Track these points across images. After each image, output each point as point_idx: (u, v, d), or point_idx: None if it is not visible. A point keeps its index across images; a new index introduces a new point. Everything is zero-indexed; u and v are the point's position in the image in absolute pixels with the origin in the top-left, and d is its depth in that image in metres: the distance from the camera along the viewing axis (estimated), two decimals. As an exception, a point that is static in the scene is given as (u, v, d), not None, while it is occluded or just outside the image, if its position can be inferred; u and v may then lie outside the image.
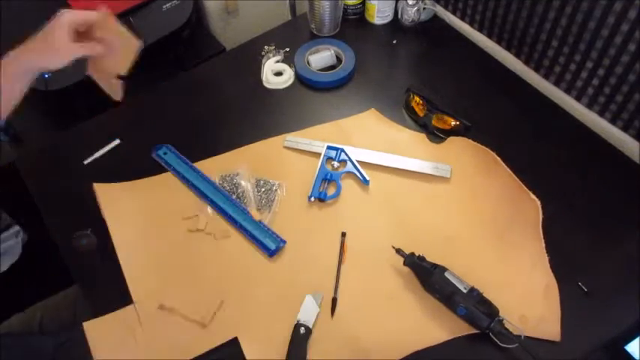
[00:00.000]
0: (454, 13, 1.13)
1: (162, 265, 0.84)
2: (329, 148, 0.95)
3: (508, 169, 0.88)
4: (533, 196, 0.83)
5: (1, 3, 1.09)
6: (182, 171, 0.94)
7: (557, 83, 0.98)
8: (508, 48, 1.05)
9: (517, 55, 1.04)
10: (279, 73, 1.09)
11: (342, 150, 0.95)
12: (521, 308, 0.77)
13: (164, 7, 1.23)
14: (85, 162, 0.97)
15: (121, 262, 0.84)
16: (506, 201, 0.87)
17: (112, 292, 0.82)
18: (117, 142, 1.00)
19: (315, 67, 1.09)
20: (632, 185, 0.89)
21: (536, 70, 1.01)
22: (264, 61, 1.11)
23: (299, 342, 0.74)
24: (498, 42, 1.07)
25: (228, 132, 1.01)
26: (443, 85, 1.05)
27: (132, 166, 0.96)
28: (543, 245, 0.82)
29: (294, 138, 0.98)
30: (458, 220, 0.87)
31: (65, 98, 1.19)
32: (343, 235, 0.86)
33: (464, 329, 0.76)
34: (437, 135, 0.98)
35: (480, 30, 1.09)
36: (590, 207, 0.87)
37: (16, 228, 1.30)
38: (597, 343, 0.74)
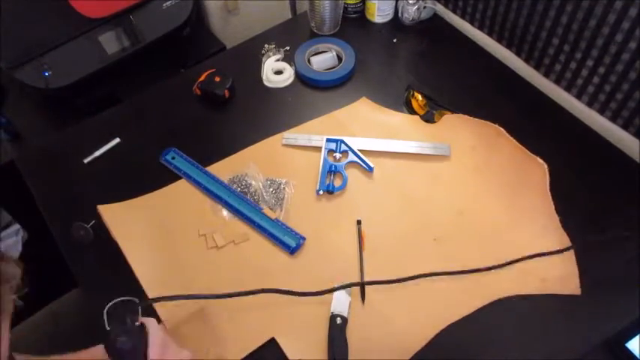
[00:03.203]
0: (454, 11, 1.13)
1: (185, 277, 0.82)
2: (328, 140, 0.96)
3: (511, 138, 0.90)
4: (541, 161, 0.86)
5: (1, 3, 1.09)
6: (193, 175, 0.93)
7: (557, 81, 0.98)
8: (508, 46, 1.05)
9: (517, 54, 1.04)
10: (279, 72, 1.09)
11: (342, 141, 0.96)
12: (540, 271, 0.80)
13: (164, 5, 1.23)
14: (85, 160, 0.97)
15: (141, 281, 0.82)
16: (511, 169, 0.90)
17: (113, 288, 0.81)
18: (117, 140, 1.00)
19: (317, 69, 1.08)
20: (632, 184, 0.89)
21: (537, 68, 1.01)
22: (264, 59, 1.11)
23: (338, 332, 0.75)
24: (499, 40, 1.07)
25: (229, 131, 1.01)
26: (443, 84, 1.05)
27: (132, 165, 0.96)
28: (553, 207, 0.84)
29: (291, 135, 0.98)
30: (466, 194, 0.88)
31: (65, 97, 1.19)
32: (359, 223, 0.87)
33: (493, 295, 0.78)
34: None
35: (481, 28, 1.09)
36: (589, 205, 0.87)
37: (16, 226, 1.30)
38: (598, 340, 0.75)
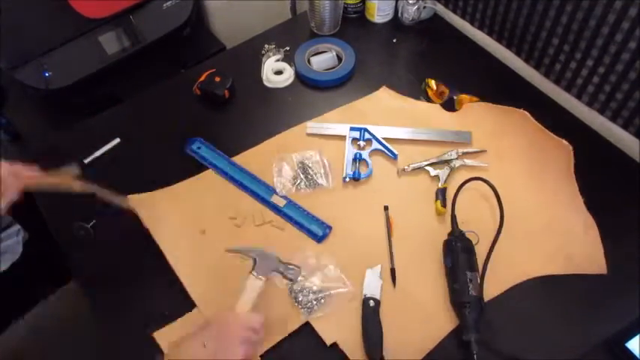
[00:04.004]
0: (454, 11, 1.13)
1: (217, 265, 0.83)
2: (352, 129, 0.97)
3: (536, 122, 0.91)
4: (566, 142, 0.87)
5: (1, 3, 1.09)
6: (219, 165, 0.94)
7: (557, 81, 0.98)
8: (508, 46, 1.05)
9: (517, 54, 1.04)
10: (279, 72, 1.09)
11: (365, 129, 0.97)
12: (566, 248, 0.82)
13: (164, 5, 1.23)
14: (86, 161, 0.97)
15: (175, 268, 0.82)
16: (535, 152, 0.92)
17: (113, 287, 0.83)
18: (117, 140, 1.00)
19: (317, 69, 1.09)
20: (632, 184, 0.89)
21: (537, 68, 1.01)
22: (264, 59, 1.11)
23: (371, 315, 0.76)
24: (499, 40, 1.07)
25: (229, 131, 1.01)
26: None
27: (133, 165, 0.96)
28: (577, 187, 0.87)
29: (315, 124, 1.00)
30: (489, 178, 0.88)
31: (65, 97, 1.19)
32: (386, 208, 0.88)
33: (522, 275, 0.80)
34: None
35: (481, 28, 1.09)
36: (589, 205, 0.87)
37: (17, 227, 1.30)
38: (598, 340, 0.75)
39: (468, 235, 0.81)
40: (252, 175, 0.93)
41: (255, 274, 0.75)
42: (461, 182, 0.86)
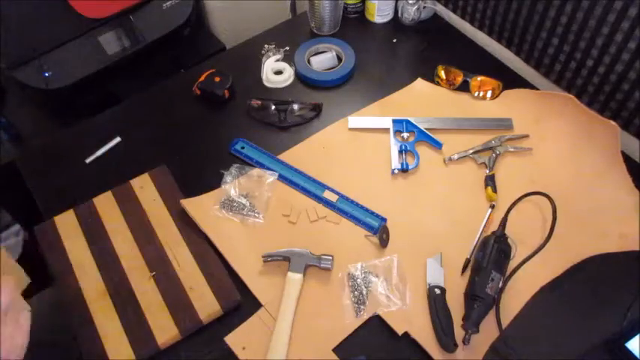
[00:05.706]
0: (454, 11, 1.13)
1: (279, 264, 0.83)
2: (395, 121, 0.98)
3: (582, 105, 0.91)
4: (613, 123, 0.87)
5: (1, 3, 1.09)
6: (267, 164, 0.94)
7: (557, 81, 0.98)
8: (508, 46, 1.05)
9: (517, 54, 1.04)
10: (279, 72, 1.09)
11: (408, 121, 0.98)
12: (619, 227, 0.84)
13: (164, 5, 1.23)
14: (87, 160, 0.97)
15: (236, 269, 0.82)
16: (581, 134, 0.92)
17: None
18: (117, 140, 1.00)
19: (317, 69, 1.09)
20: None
21: (537, 68, 1.01)
22: (264, 59, 1.11)
23: (439, 302, 0.77)
24: (498, 40, 1.07)
25: (230, 131, 1.01)
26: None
27: (134, 164, 0.96)
28: (624, 167, 0.88)
29: (356, 118, 1.00)
30: (536, 163, 0.91)
31: (66, 97, 1.19)
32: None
33: (578, 256, 0.80)
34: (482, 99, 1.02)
35: (480, 28, 1.09)
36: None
37: (17, 227, 1.30)
38: (598, 340, 0.74)
39: (509, 241, 0.81)
40: (302, 172, 0.93)
41: (292, 271, 0.79)
42: (508, 172, 0.90)
